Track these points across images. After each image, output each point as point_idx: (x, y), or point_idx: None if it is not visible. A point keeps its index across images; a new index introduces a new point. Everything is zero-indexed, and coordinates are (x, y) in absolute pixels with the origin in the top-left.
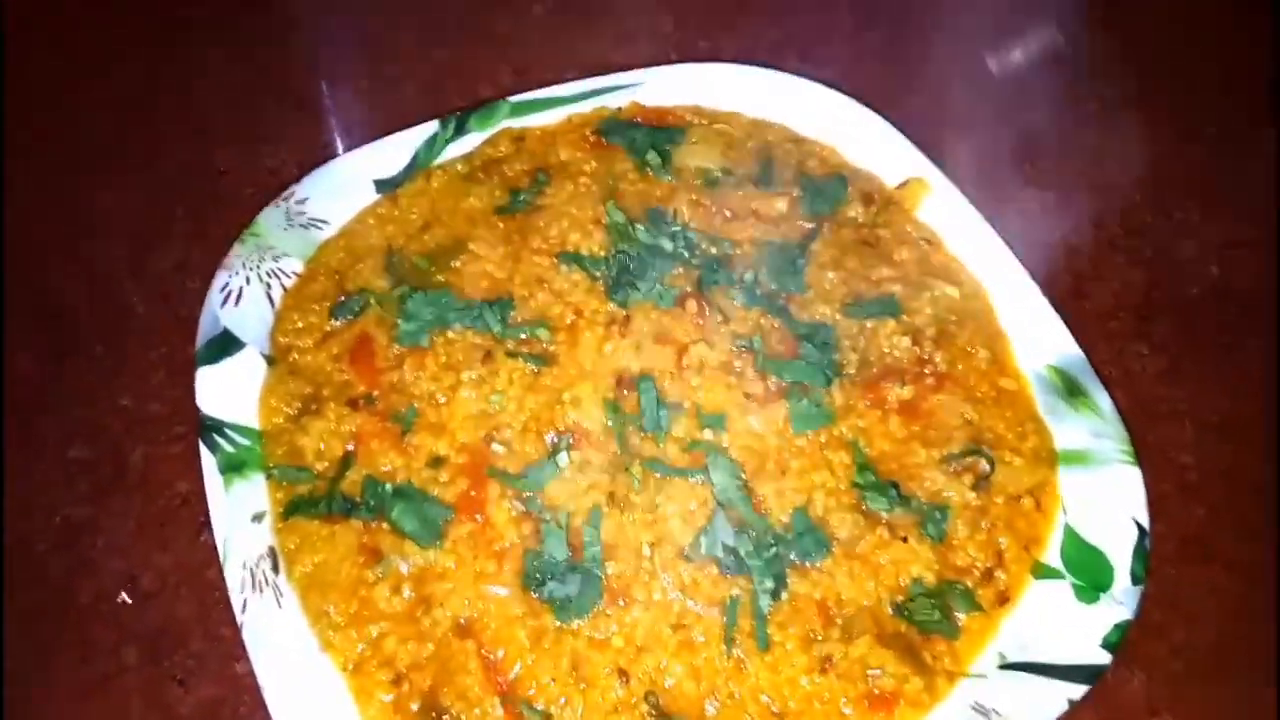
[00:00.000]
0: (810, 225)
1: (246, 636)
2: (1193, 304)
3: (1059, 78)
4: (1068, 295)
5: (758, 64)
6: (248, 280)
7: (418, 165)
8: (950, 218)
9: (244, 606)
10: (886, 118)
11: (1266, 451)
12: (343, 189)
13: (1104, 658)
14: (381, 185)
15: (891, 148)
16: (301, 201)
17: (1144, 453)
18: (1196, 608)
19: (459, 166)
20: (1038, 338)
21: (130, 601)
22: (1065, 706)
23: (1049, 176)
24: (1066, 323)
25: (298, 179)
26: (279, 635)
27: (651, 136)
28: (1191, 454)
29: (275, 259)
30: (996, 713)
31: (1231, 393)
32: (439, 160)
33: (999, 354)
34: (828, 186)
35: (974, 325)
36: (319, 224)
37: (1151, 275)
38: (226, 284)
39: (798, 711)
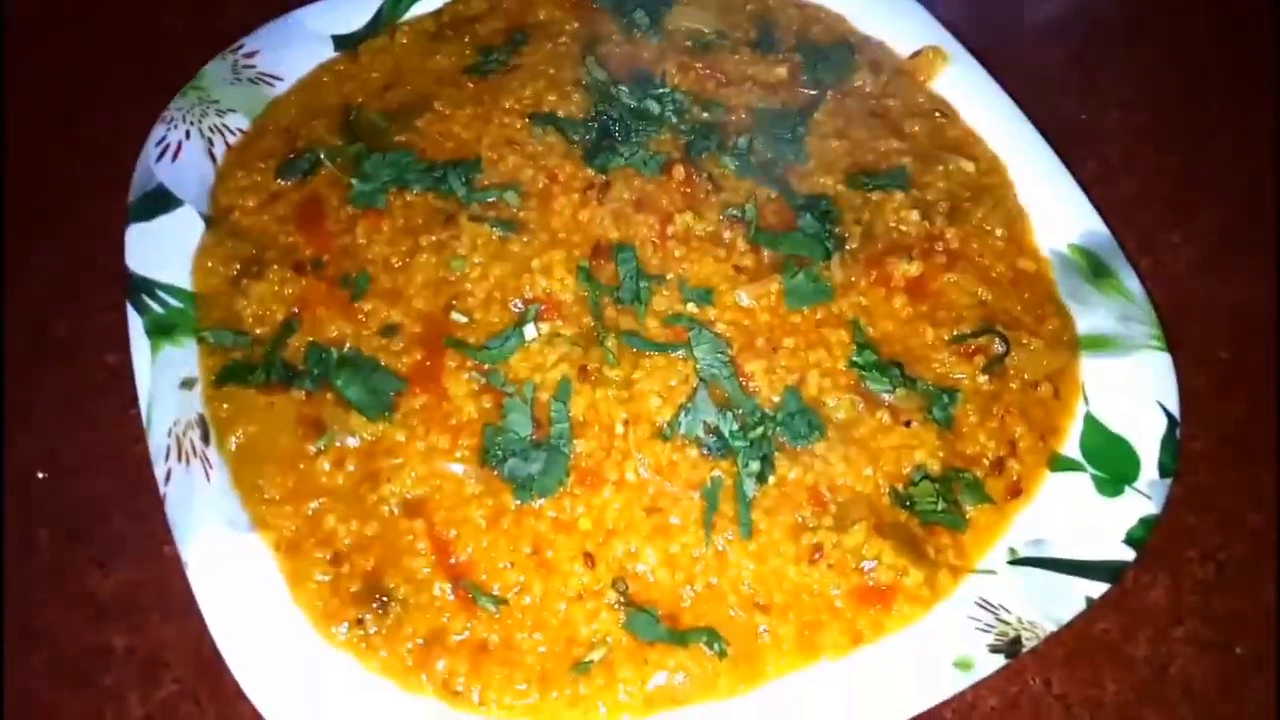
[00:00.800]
0: (813, 93)
1: (169, 510)
2: (1231, 195)
3: None
4: (1092, 182)
5: None
6: (187, 135)
7: (382, 21)
8: (968, 90)
9: (168, 477)
10: None
11: None
12: (297, 44)
13: (1127, 554)
14: (341, 42)
15: (905, 17)
16: (251, 55)
17: (1176, 346)
18: (1231, 512)
19: (427, 24)
20: (1060, 215)
21: (46, 476)
22: (1083, 606)
23: (1072, 60)
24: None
25: None
26: (206, 510)
27: None
28: (1228, 350)
29: (219, 114)
30: (1005, 609)
31: (1273, 288)
32: (405, 17)
33: (1017, 233)
34: (833, 54)
35: (991, 202)
36: (269, 80)
37: (1185, 164)
38: (164, 138)
39: (783, 605)
